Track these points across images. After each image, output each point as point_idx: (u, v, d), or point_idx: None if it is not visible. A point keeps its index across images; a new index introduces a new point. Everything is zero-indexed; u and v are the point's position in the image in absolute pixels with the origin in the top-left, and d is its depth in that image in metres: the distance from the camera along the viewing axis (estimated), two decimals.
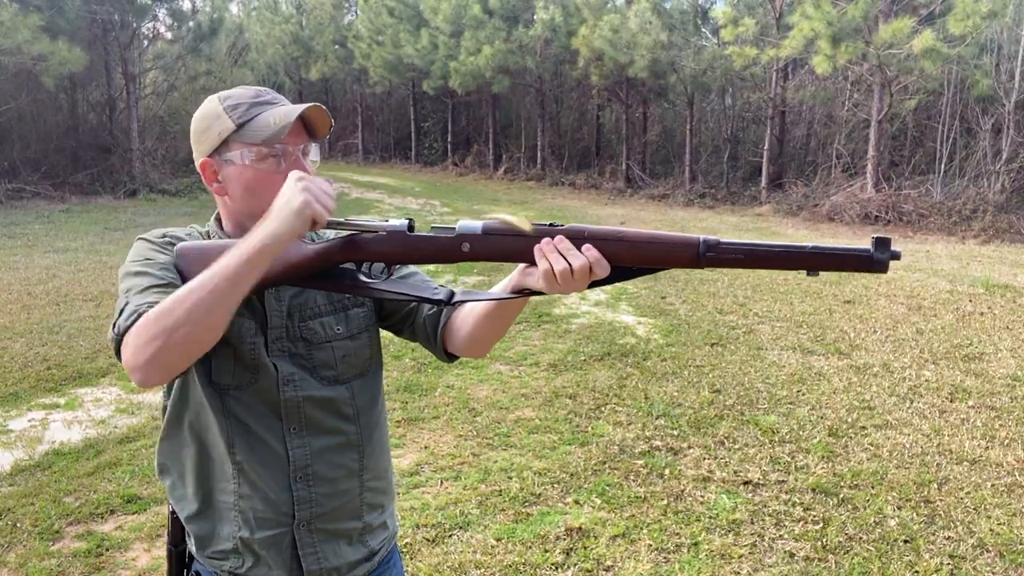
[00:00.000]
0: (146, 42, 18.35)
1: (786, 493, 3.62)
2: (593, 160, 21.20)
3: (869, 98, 14.72)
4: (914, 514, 3.43)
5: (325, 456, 1.36)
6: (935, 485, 3.71)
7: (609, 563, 3.03)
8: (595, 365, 5.53)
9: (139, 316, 1.14)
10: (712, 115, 19.78)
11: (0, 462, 3.93)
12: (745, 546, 3.17)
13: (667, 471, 3.83)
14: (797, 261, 1.17)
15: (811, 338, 6.22)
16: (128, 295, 1.21)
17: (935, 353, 5.82)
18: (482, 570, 2.98)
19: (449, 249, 1.25)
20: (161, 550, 3.10)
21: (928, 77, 13.37)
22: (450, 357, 1.45)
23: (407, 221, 1.27)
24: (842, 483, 3.72)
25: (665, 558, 3.08)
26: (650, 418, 4.51)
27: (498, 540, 3.18)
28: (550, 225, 1.21)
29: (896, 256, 1.14)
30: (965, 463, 3.95)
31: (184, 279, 1.24)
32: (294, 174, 1.18)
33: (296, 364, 1.34)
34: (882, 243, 1.14)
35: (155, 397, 4.83)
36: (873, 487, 3.68)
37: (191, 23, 17.59)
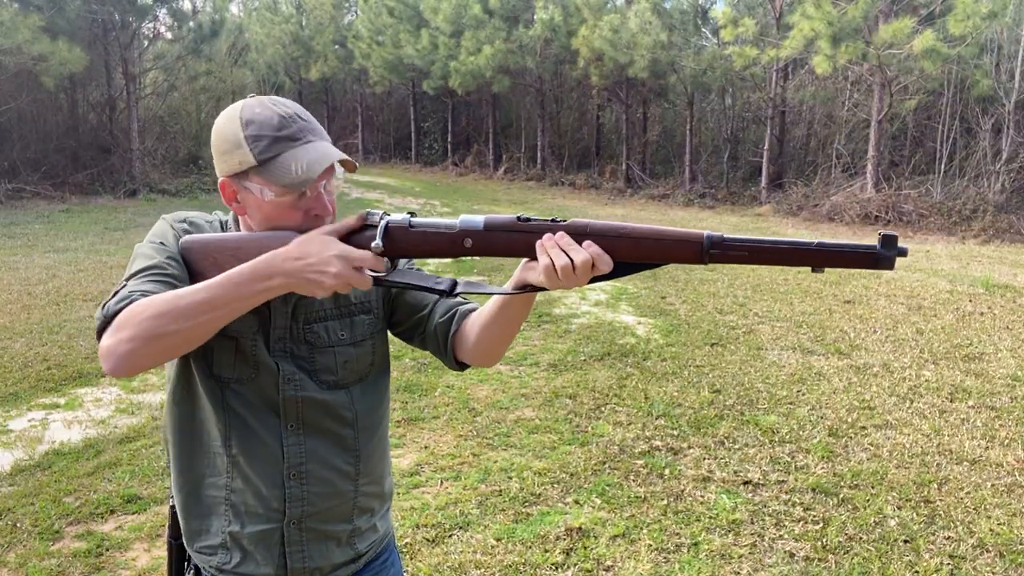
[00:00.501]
0: (146, 42, 18.34)
1: (786, 493, 3.62)
2: (593, 160, 21.20)
3: (869, 98, 14.72)
4: (914, 514, 3.43)
5: (320, 456, 1.36)
6: (935, 485, 3.71)
7: (609, 563, 3.03)
8: (595, 365, 5.53)
9: (130, 303, 1.15)
10: (712, 115, 19.78)
11: (0, 462, 3.93)
12: (745, 546, 3.17)
13: (667, 471, 3.83)
14: (802, 257, 1.16)
15: (811, 338, 6.22)
16: (128, 277, 1.23)
17: (935, 353, 5.82)
18: (482, 570, 2.98)
19: (451, 244, 1.24)
20: (161, 550, 3.10)
21: (928, 77, 13.37)
22: (461, 366, 1.45)
23: (408, 216, 1.27)
24: (842, 483, 3.72)
25: (665, 558, 3.08)
26: (650, 418, 4.51)
27: (498, 540, 3.18)
28: (552, 221, 1.20)
29: (903, 253, 1.13)
30: (965, 463, 3.95)
31: (189, 271, 1.27)
32: (335, 248, 1.17)
33: (297, 365, 1.34)
34: (888, 240, 1.12)
35: (155, 397, 4.83)
36: (873, 487, 3.68)
37: (191, 23, 17.59)
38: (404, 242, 1.25)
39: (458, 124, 24.55)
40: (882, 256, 1.13)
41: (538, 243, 1.19)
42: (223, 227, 1.38)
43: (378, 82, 23.66)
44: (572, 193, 18.62)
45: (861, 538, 3.23)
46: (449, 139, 24.24)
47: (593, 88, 19.67)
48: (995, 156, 13.50)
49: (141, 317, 1.12)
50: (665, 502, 3.51)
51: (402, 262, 1.34)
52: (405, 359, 5.52)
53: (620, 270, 1.20)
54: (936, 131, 14.64)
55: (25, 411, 4.61)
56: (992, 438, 4.26)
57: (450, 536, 3.22)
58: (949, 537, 3.24)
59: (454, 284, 1.29)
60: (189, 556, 1.43)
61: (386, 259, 1.27)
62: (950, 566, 3.03)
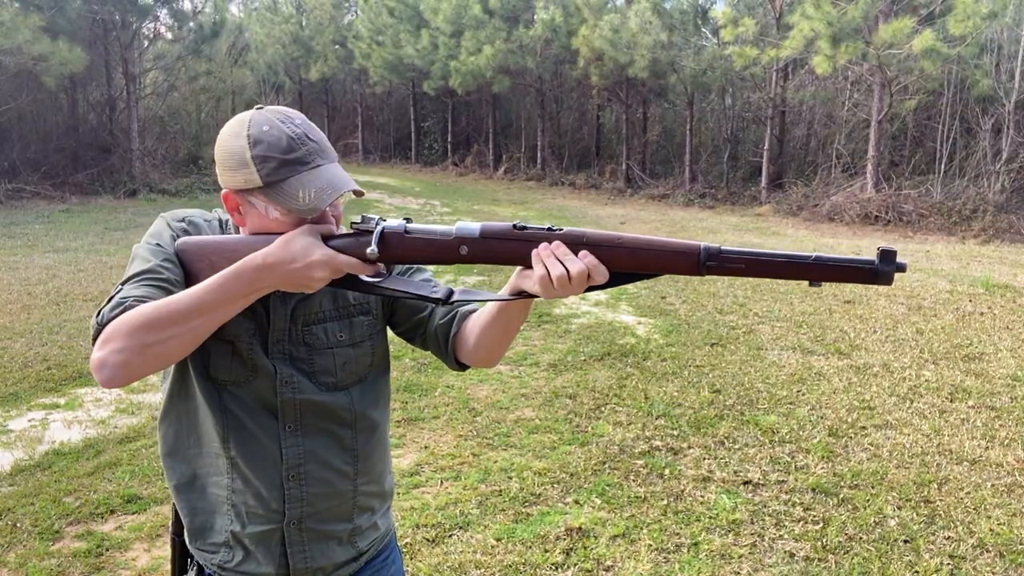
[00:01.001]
0: (147, 42, 18.35)
1: (786, 493, 3.62)
2: (593, 160, 21.21)
3: (869, 98, 14.73)
4: (914, 514, 3.43)
5: (318, 457, 1.35)
6: (935, 485, 3.71)
7: (609, 563, 3.03)
8: (595, 365, 5.53)
9: (123, 310, 1.15)
10: (712, 115, 19.78)
11: (0, 462, 3.93)
12: (745, 546, 3.17)
13: (667, 471, 3.83)
14: (799, 271, 1.14)
15: (811, 338, 6.22)
16: (124, 281, 1.23)
17: (935, 353, 5.82)
18: (482, 570, 2.98)
19: (446, 251, 1.24)
20: (161, 550, 3.10)
21: (928, 77, 13.37)
22: (462, 366, 1.45)
23: (404, 221, 1.26)
24: (842, 483, 3.72)
25: (665, 558, 3.08)
26: (650, 418, 4.51)
27: (498, 540, 3.18)
28: (548, 230, 1.20)
29: (902, 268, 1.11)
30: (965, 463, 3.95)
31: (184, 272, 1.27)
32: (318, 252, 1.19)
33: (295, 367, 1.33)
34: (887, 255, 1.10)
35: (155, 397, 4.83)
36: (873, 487, 3.68)
37: (192, 24, 17.59)
38: (399, 248, 1.24)
39: (458, 124, 24.55)
40: (881, 271, 1.11)
41: (534, 252, 1.18)
42: (223, 226, 1.37)
43: (378, 82, 23.67)
44: (572, 193, 18.62)
45: (861, 538, 3.23)
46: (449, 139, 24.25)
47: (593, 88, 19.68)
48: (995, 156, 13.51)
49: (130, 328, 1.11)
50: (665, 502, 3.51)
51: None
52: (405, 359, 5.52)
53: (616, 280, 1.19)
54: (936, 131, 14.64)
55: (25, 411, 4.61)
56: (992, 438, 4.26)
57: (450, 536, 3.22)
58: (949, 537, 3.24)
59: (450, 293, 1.29)
60: (191, 554, 1.43)
61: (382, 264, 1.27)
62: (950, 566, 3.03)
